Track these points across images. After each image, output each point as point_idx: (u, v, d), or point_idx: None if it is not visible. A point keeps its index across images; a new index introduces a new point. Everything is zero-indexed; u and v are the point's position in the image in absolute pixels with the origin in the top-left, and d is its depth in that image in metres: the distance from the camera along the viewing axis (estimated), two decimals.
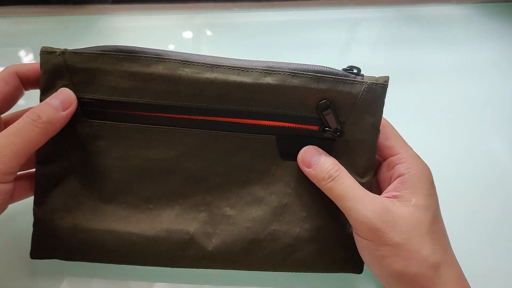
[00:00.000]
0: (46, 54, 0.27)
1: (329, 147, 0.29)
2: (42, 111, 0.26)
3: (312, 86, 0.28)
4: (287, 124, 0.28)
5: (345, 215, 0.28)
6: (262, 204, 0.29)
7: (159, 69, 0.27)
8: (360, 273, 0.31)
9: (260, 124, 0.28)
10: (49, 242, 0.28)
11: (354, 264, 0.30)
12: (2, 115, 0.30)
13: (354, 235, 0.28)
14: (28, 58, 0.46)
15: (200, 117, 0.28)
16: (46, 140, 0.27)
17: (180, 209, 0.29)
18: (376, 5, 0.64)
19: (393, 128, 0.31)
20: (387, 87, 0.29)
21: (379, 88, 0.28)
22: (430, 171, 0.29)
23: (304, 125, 0.29)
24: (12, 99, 0.29)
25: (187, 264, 0.29)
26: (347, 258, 0.30)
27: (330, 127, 0.28)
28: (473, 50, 0.58)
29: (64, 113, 0.27)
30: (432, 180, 0.29)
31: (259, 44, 0.54)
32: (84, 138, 0.28)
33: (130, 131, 0.28)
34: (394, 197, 0.28)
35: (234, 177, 0.29)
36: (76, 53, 0.27)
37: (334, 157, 0.28)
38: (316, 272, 0.31)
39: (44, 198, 0.28)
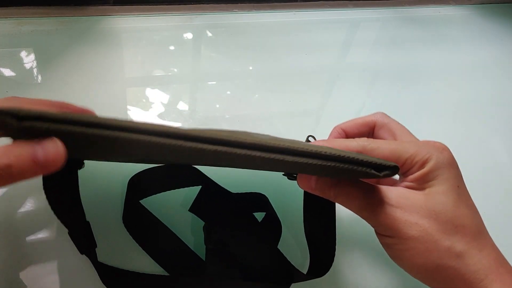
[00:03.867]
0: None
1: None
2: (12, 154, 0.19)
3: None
4: None
5: (361, 217, 0.28)
6: None
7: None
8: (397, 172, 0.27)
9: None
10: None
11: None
12: None
13: (375, 233, 0.28)
14: (30, 59, 0.46)
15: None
16: None
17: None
18: (375, 6, 0.64)
19: (389, 119, 0.32)
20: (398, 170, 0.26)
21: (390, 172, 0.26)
22: (446, 154, 0.28)
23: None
24: None
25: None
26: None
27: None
28: (472, 50, 0.59)
29: (39, 169, 0.19)
30: (450, 162, 0.28)
31: (259, 45, 0.54)
32: None
33: None
34: (408, 187, 0.28)
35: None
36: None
37: None
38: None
39: None
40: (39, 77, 0.44)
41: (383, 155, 0.28)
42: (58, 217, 0.29)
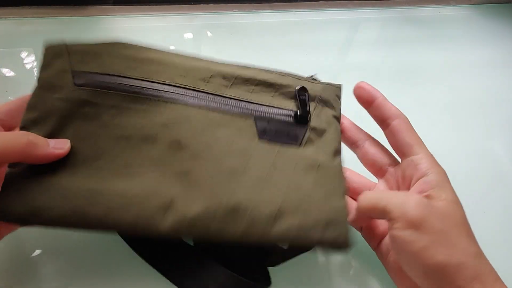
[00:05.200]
0: (50, 43, 0.31)
1: (300, 133, 0.32)
2: (36, 136, 0.27)
3: (283, 81, 0.33)
4: (264, 106, 0.32)
5: (384, 211, 0.28)
6: (243, 175, 0.29)
7: (152, 54, 0.31)
8: (346, 248, 0.29)
9: (240, 108, 0.32)
10: (17, 196, 0.27)
11: (340, 240, 0.29)
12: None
13: (392, 232, 0.27)
14: (30, 59, 0.46)
15: (185, 94, 0.31)
16: (18, 158, 0.26)
17: (161, 175, 0.28)
18: (375, 6, 0.64)
19: (412, 127, 0.32)
20: (340, 89, 0.35)
21: (334, 88, 0.35)
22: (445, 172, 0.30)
23: (279, 109, 0.32)
24: None
25: (165, 230, 0.27)
26: (332, 233, 0.29)
27: (302, 112, 0.32)
28: (472, 50, 0.59)
29: (52, 150, 0.27)
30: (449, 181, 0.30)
31: (259, 45, 0.54)
32: (71, 104, 0.29)
33: (117, 98, 0.30)
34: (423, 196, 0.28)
35: (215, 149, 0.30)
36: (78, 43, 0.31)
37: (306, 143, 0.32)
38: (299, 245, 0.30)
39: None
40: None
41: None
42: None
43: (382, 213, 0.28)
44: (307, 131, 0.32)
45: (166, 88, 0.31)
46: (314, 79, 0.34)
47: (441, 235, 0.26)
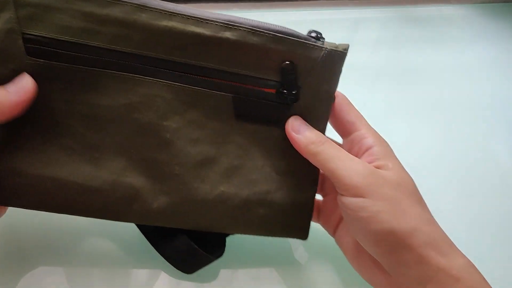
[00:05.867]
0: None
1: (284, 112, 0.29)
2: None
3: (272, 46, 0.27)
4: (243, 85, 0.28)
5: (332, 176, 0.27)
6: (213, 164, 0.28)
7: (115, 11, 0.25)
8: (305, 239, 0.31)
9: (216, 81, 0.27)
10: None
11: (300, 230, 0.31)
12: None
13: (341, 197, 0.27)
14: None
15: (153, 67, 0.27)
16: None
17: (127, 163, 0.28)
18: (376, 6, 0.64)
19: (352, 104, 0.31)
20: (346, 55, 0.29)
21: (338, 55, 0.28)
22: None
23: (261, 87, 0.28)
24: None
25: (131, 219, 0.28)
26: (294, 224, 0.30)
27: (287, 91, 0.28)
28: (472, 50, 0.58)
29: (16, 98, 0.24)
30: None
31: None
32: None
33: (78, 73, 0.26)
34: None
35: (186, 133, 0.28)
36: None
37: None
38: (263, 235, 0.31)
39: None
40: None
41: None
42: None
43: (330, 174, 0.27)
44: (292, 110, 0.29)
45: (134, 60, 0.26)
46: (315, 41, 0.28)
47: (392, 202, 0.26)
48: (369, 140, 0.29)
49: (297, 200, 0.30)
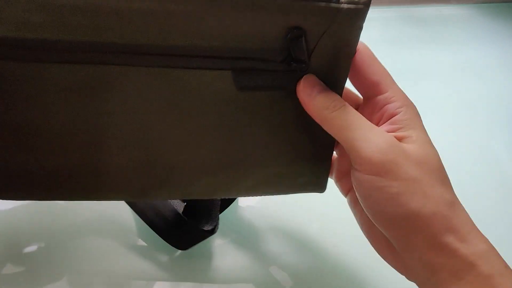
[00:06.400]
0: None
1: (293, 80, 0.25)
2: None
3: (275, 11, 0.22)
4: (244, 59, 0.24)
5: (348, 148, 0.24)
6: (218, 139, 0.26)
7: None
8: (322, 192, 0.30)
9: (213, 59, 0.23)
10: None
11: (317, 184, 0.29)
12: None
13: (354, 172, 0.24)
14: None
15: (138, 55, 0.22)
16: None
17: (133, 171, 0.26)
18: (376, 5, 0.64)
19: (379, 61, 0.27)
20: (367, 11, 0.24)
21: (357, 13, 0.24)
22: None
23: (265, 57, 0.24)
24: None
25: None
26: (310, 181, 0.29)
27: (296, 60, 0.24)
28: (473, 50, 0.59)
29: None
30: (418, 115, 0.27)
31: None
32: None
33: (48, 70, 0.22)
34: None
35: (186, 124, 0.25)
36: None
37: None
38: (280, 194, 0.29)
39: None
40: None
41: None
42: None
43: (345, 144, 0.24)
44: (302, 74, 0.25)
45: (113, 52, 0.22)
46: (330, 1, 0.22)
47: (411, 183, 0.23)
48: (394, 105, 0.25)
49: (313, 162, 0.28)
